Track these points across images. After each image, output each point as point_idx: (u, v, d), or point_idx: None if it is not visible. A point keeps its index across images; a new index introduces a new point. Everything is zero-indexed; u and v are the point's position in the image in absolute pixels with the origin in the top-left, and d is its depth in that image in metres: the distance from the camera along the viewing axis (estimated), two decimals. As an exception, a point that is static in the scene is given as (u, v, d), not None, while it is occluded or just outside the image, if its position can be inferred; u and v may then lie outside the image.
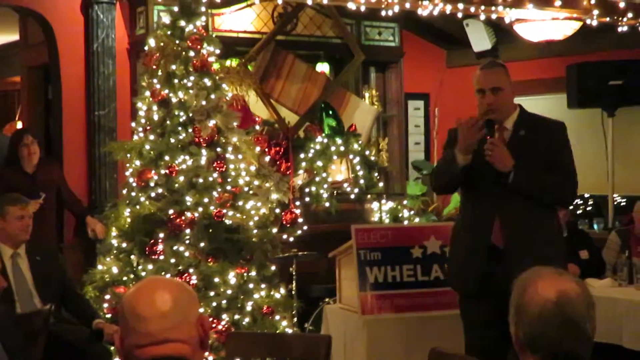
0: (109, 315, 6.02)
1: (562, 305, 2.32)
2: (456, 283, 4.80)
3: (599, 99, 8.27)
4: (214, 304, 6.03)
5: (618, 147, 8.45)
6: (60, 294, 5.72)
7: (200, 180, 6.24)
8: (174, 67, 6.40)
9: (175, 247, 6.11)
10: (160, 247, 6.11)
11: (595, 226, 8.97)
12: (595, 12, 7.21)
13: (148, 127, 6.42)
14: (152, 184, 6.27)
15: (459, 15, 7.34)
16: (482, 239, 4.56)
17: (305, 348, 3.91)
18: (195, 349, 2.27)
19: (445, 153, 4.74)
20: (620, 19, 7.42)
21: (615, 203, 8.57)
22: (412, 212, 8.44)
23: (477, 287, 4.58)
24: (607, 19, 7.41)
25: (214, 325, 5.94)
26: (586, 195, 9.40)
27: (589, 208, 9.50)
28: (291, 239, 7.52)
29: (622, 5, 7.28)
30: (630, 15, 7.36)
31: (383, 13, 7.12)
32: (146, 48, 6.57)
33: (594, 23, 7.47)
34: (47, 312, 5.02)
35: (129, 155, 6.45)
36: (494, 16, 7.26)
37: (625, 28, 7.58)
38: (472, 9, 6.98)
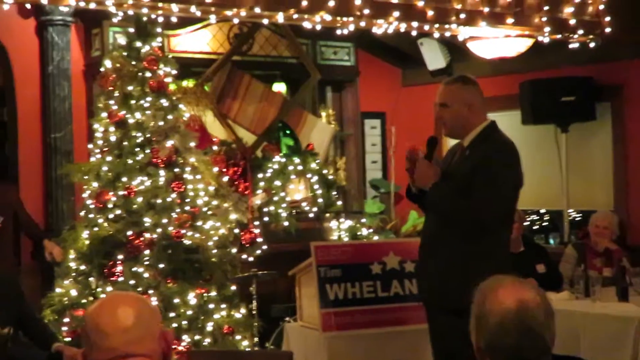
0: (68, 339, 5.96)
1: (521, 315, 2.35)
2: None
3: (552, 115, 8.38)
4: (175, 324, 6.01)
5: (572, 163, 8.56)
6: (18, 318, 5.65)
7: (159, 201, 6.23)
8: (130, 88, 6.41)
9: (134, 269, 6.09)
10: (119, 268, 6.09)
11: (552, 241, 9.06)
12: (547, 29, 7.31)
13: (105, 149, 6.41)
14: (110, 206, 6.25)
15: (413, 33, 7.40)
16: None
17: (267, 365, 3.91)
18: (158, 364, 2.27)
19: None
20: (571, 35, 7.53)
21: (570, 218, 8.68)
22: (370, 230, 8.47)
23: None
24: (559, 36, 7.52)
25: (174, 347, 5.92)
26: (542, 211, 9.51)
27: (544, 223, 9.61)
28: (251, 259, 7.50)
29: (572, 22, 7.40)
30: (580, 32, 7.47)
31: (338, 32, 7.17)
32: (102, 69, 6.56)
33: (546, 40, 7.58)
34: (6, 337, 4.95)
35: (86, 177, 6.43)
36: (447, 34, 7.33)
37: (576, 45, 7.70)
38: (426, 27, 7.04)
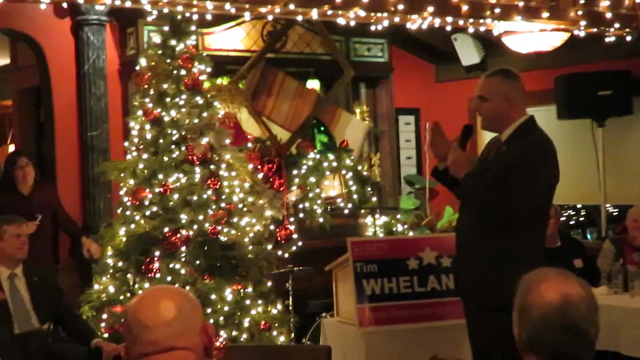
0: (106, 335, 6.01)
1: (565, 310, 2.32)
2: None
3: (588, 109, 8.33)
4: (211, 321, 6.03)
5: (609, 157, 8.50)
6: (58, 314, 5.72)
7: (195, 198, 6.26)
8: (165, 86, 6.43)
9: (171, 265, 6.12)
10: (156, 265, 6.12)
11: (589, 236, 9.01)
12: (583, 23, 7.26)
13: (141, 146, 6.44)
14: (146, 203, 6.29)
15: (448, 29, 7.38)
16: None
17: (305, 359, 3.92)
18: (200, 356, 2.28)
19: None
20: (607, 29, 7.47)
21: (607, 213, 8.62)
22: (405, 226, 8.47)
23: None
24: (594, 29, 7.47)
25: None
26: (578, 206, 9.45)
27: (581, 218, 9.55)
28: (286, 255, 7.52)
29: (608, 15, 7.34)
30: (617, 25, 7.42)
31: (372, 28, 7.17)
32: (137, 68, 6.60)
33: (582, 34, 7.53)
34: (46, 332, 5.01)
35: (122, 174, 6.46)
36: (482, 29, 7.31)
37: (612, 38, 7.63)
38: (461, 22, 7.02)
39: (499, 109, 4.42)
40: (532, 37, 7.82)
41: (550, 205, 4.63)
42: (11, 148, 10.51)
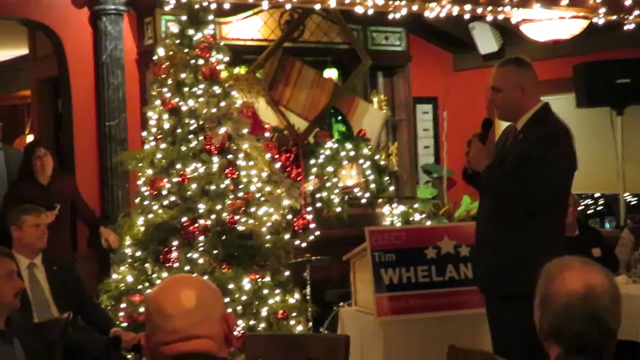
0: (124, 324, 6.04)
1: (588, 300, 2.30)
2: None
3: (607, 97, 8.27)
4: (229, 310, 6.04)
5: (628, 146, 8.45)
6: (77, 304, 5.74)
7: (213, 188, 6.26)
8: (183, 75, 6.43)
9: (189, 255, 6.13)
10: (174, 254, 6.13)
11: (607, 225, 8.97)
12: (602, 10, 7.22)
13: (159, 136, 6.45)
14: (164, 192, 6.30)
15: (466, 17, 7.34)
16: None
17: (324, 348, 3.92)
18: (220, 345, 2.29)
19: None
20: (626, 16, 7.42)
21: (626, 202, 8.57)
22: (423, 216, 8.45)
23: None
24: (614, 17, 7.42)
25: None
26: (596, 195, 9.40)
27: (599, 207, 9.50)
28: (304, 245, 7.54)
29: (628, 3, 7.29)
30: (636, 12, 7.36)
31: (390, 16, 7.15)
32: (155, 57, 6.60)
33: (601, 21, 7.48)
34: (65, 321, 5.03)
35: (140, 164, 6.47)
36: (500, 17, 7.27)
37: (631, 26, 7.58)
38: (479, 10, 6.99)
39: (513, 99, 4.43)
40: (550, 25, 7.77)
41: (569, 193, 4.62)
42: (30, 138, 10.54)
